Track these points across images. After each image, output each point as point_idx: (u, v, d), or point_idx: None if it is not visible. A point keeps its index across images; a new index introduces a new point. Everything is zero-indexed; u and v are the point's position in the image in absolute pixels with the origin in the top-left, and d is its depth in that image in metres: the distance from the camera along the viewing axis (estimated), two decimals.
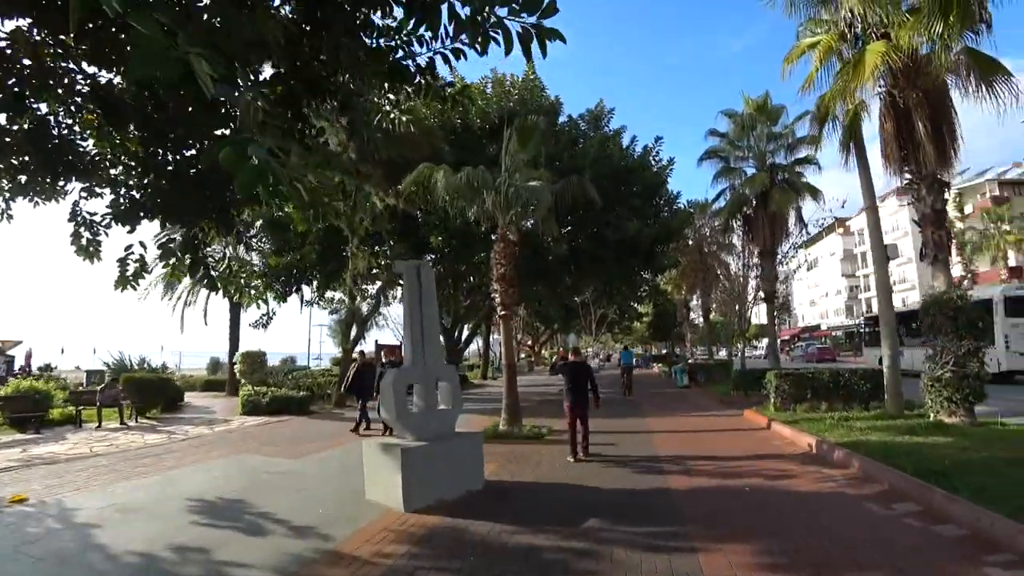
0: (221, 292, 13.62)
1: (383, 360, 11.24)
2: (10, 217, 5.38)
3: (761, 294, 20.92)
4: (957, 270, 40.72)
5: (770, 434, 10.15)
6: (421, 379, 6.51)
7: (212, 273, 5.19)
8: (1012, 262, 42.04)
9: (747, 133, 20.08)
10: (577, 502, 6.01)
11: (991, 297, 19.16)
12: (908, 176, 10.22)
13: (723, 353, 35.18)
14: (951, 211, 39.37)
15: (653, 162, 18.73)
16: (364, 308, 22.59)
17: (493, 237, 12.05)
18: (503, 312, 11.43)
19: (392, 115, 7.17)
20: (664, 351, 57.60)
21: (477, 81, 17.99)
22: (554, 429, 11.31)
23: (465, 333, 33.57)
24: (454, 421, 6.85)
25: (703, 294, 28.40)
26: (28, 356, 29.25)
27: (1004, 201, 43.20)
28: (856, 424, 9.66)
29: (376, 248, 18.92)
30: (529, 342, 53.35)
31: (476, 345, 41.34)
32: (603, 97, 21.17)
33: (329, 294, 25.42)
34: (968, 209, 43.46)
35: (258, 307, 24.53)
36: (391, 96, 6.57)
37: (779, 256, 20.39)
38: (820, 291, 79.76)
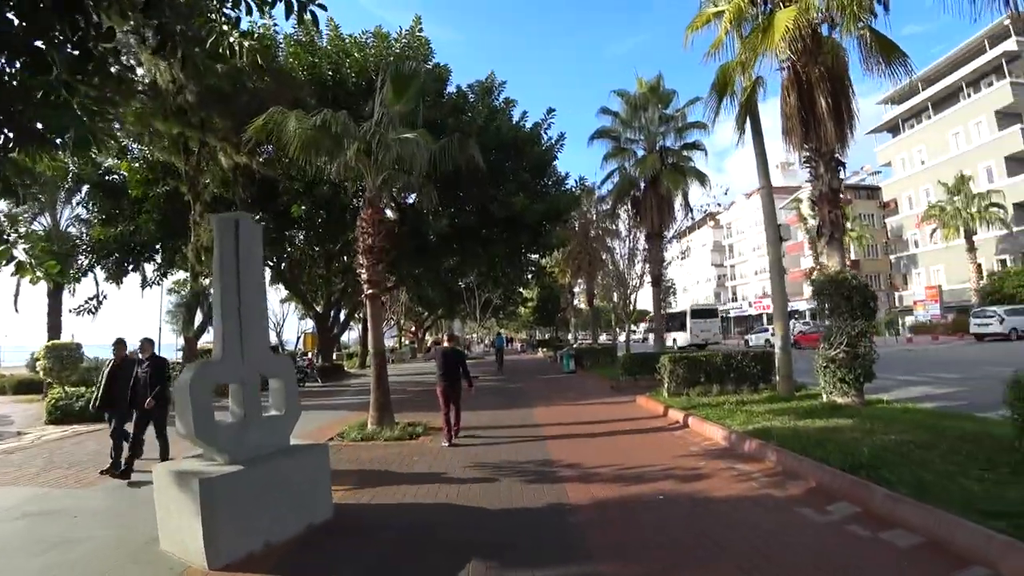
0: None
1: (140, 356, 7.31)
2: None
3: (648, 277, 20.80)
4: (809, 261, 44.73)
5: (669, 423, 9.33)
6: (236, 377, 4.65)
7: None
8: (853, 256, 46.85)
9: (639, 114, 19.65)
10: (454, 533, 4.53)
11: (685, 310, 37.20)
12: (807, 153, 9.83)
13: (604, 337, 35.76)
14: (805, 210, 43.14)
15: (544, 136, 17.60)
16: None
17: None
18: (370, 291, 9.64)
19: (232, 38, 5.18)
20: (548, 336, 58.07)
21: (357, 34, 15.72)
22: (432, 426, 9.81)
23: (342, 320, 30.92)
24: (288, 431, 5.06)
25: (588, 279, 28.15)
26: None
27: (848, 203, 47.91)
28: (754, 409, 9.15)
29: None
30: (412, 328, 51.15)
31: (357, 332, 38.63)
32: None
33: (181, 275, 21.80)
34: None
35: (65, 286, 20.57)
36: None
37: (666, 240, 20.32)
38: (692, 279, 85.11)
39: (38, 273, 3.13)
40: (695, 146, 19.46)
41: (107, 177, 18.36)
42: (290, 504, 4.59)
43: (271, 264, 23.31)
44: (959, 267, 38.43)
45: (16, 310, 22.07)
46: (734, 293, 71.66)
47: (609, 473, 6.22)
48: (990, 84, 39.39)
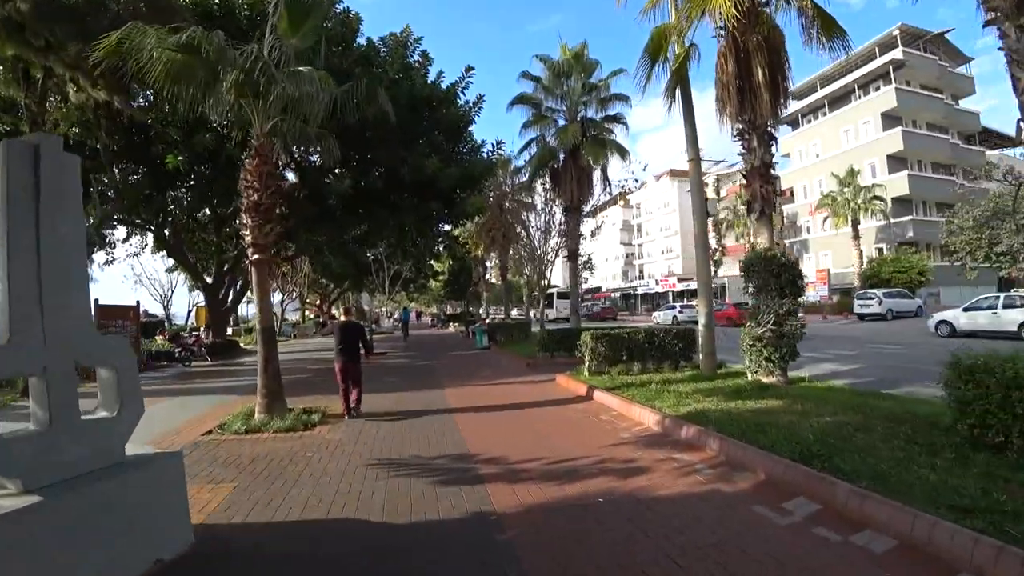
0: None
1: None
2: None
3: (564, 252, 20.30)
4: (712, 242, 46.67)
5: (595, 406, 8.70)
6: (32, 365, 3.29)
7: None
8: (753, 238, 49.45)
9: (561, 82, 18.83)
10: (349, 564, 3.52)
11: (553, 291, 40.69)
12: (740, 125, 9.41)
13: (515, 313, 35.32)
14: (709, 193, 44.88)
15: (461, 97, 16.31)
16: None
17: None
18: (256, 256, 8.17)
19: None
20: (460, 311, 57.12)
21: None
22: (332, 412, 8.64)
23: (236, 291, 28.16)
24: (122, 438, 3.76)
25: (502, 252, 27.39)
26: None
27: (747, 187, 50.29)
28: (680, 388, 8.74)
29: (85, 165, 13.57)
30: (318, 301, 48.19)
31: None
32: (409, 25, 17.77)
33: None
34: (723, 192, 50.14)
35: None
36: None
37: (583, 213, 19.84)
38: (601, 256, 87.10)
39: None
40: (617, 119, 18.97)
41: None
42: (126, 538, 3.36)
43: (151, 228, 20.52)
44: (844, 253, 41.56)
45: None
46: (641, 271, 74.05)
47: (536, 469, 5.41)
48: (878, 88, 42.52)
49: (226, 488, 5.13)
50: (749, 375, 9.09)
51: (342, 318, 9.33)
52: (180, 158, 12.53)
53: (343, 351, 8.40)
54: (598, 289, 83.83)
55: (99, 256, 29.57)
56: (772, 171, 9.38)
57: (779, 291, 8.64)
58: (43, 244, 3.33)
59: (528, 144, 19.76)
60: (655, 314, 42.14)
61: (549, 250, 21.62)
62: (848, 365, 12.12)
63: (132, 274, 55.23)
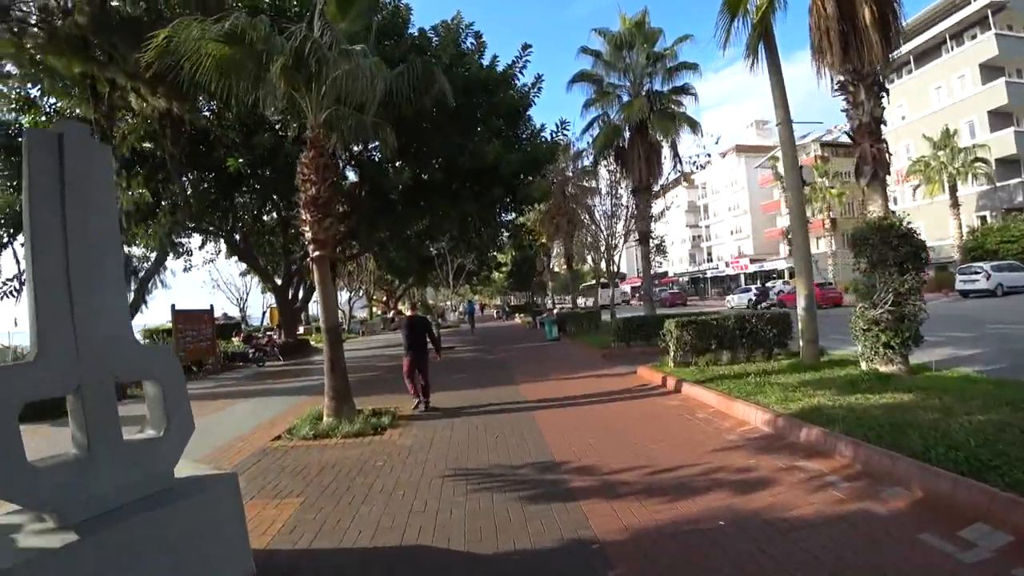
0: None
1: None
2: None
3: (634, 236, 19.28)
4: (786, 220, 43.87)
5: (687, 402, 7.84)
6: (67, 383, 2.87)
7: None
8: (835, 214, 46.19)
9: (622, 55, 17.74)
10: None
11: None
12: (843, 77, 8.21)
13: (581, 301, 34.38)
14: (781, 170, 42.05)
15: (519, 77, 15.57)
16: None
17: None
18: (316, 252, 7.80)
19: None
20: (525, 301, 56.64)
21: None
22: (403, 414, 8.21)
23: (303, 292, 28.74)
24: (171, 460, 3.31)
25: (567, 239, 26.56)
26: None
27: (826, 160, 46.91)
28: (783, 380, 7.74)
29: (157, 176, 13.87)
30: (384, 298, 48.89)
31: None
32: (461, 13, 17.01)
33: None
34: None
35: None
36: None
37: (653, 193, 18.71)
38: (667, 240, 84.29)
39: None
40: (685, 90, 17.66)
41: (17, 139, 15.85)
42: (185, 568, 2.93)
43: (222, 234, 21.07)
44: (940, 224, 37.79)
45: None
46: (709, 254, 71.06)
47: (637, 481, 4.67)
48: (974, 37, 38.21)
49: (292, 504, 4.70)
50: (863, 364, 7.94)
51: (408, 314, 9.44)
52: (240, 160, 12.51)
53: (411, 347, 8.50)
54: (664, 274, 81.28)
55: (178, 264, 31.06)
56: (883, 127, 8.12)
57: (898, 266, 7.45)
58: (72, 243, 2.90)
59: (590, 124, 18.81)
60: (729, 298, 40.02)
61: (617, 234, 20.63)
62: (969, 349, 10.56)
63: (210, 279, 57.98)
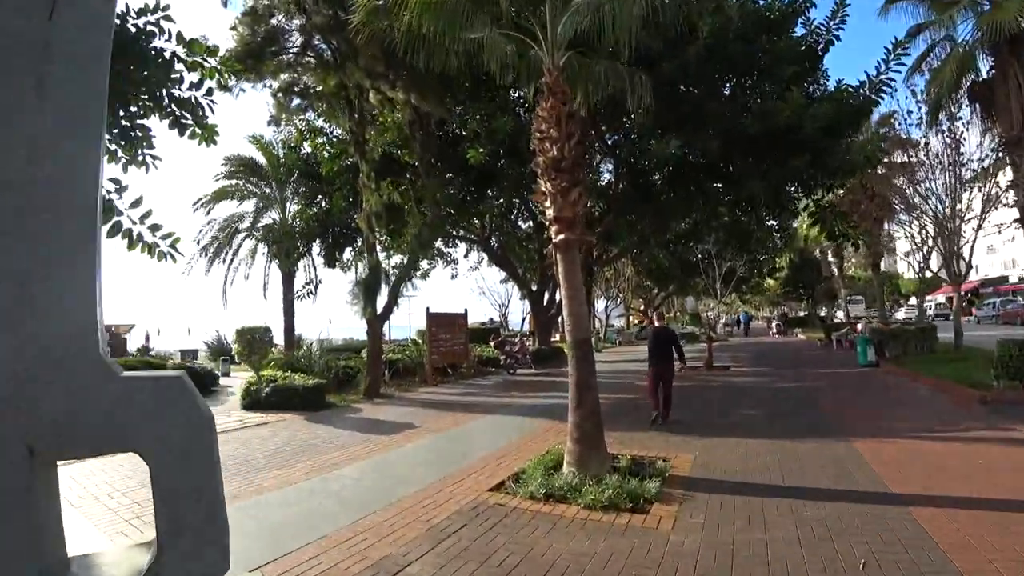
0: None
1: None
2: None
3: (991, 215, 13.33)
4: None
5: None
6: None
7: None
8: None
9: None
10: None
11: None
12: None
13: (900, 314, 26.66)
14: None
15: (813, 6, 11.54)
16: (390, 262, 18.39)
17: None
18: (561, 236, 5.67)
19: None
20: (805, 313, 48.07)
21: None
22: (677, 473, 5.61)
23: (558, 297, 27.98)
24: None
25: (877, 226, 20.52)
26: (147, 337, 29.23)
27: None
28: None
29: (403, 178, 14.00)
30: (641, 306, 46.07)
31: (592, 310, 35.52)
32: None
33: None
34: None
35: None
36: None
37: None
38: (1001, 234, 63.45)
39: (159, 248, 2.79)
40: None
41: (312, 164, 17.98)
42: None
43: (475, 239, 21.27)
44: None
45: (264, 297, 23.47)
46: None
47: None
48: None
49: None
50: None
51: (656, 324, 9.37)
52: (481, 150, 11.44)
53: (656, 356, 8.35)
54: (1003, 280, 60.38)
55: (446, 272, 33.67)
56: None
57: None
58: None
59: (921, 60, 13.52)
60: None
61: (969, 212, 14.69)
62: None
63: (476, 287, 63.30)
